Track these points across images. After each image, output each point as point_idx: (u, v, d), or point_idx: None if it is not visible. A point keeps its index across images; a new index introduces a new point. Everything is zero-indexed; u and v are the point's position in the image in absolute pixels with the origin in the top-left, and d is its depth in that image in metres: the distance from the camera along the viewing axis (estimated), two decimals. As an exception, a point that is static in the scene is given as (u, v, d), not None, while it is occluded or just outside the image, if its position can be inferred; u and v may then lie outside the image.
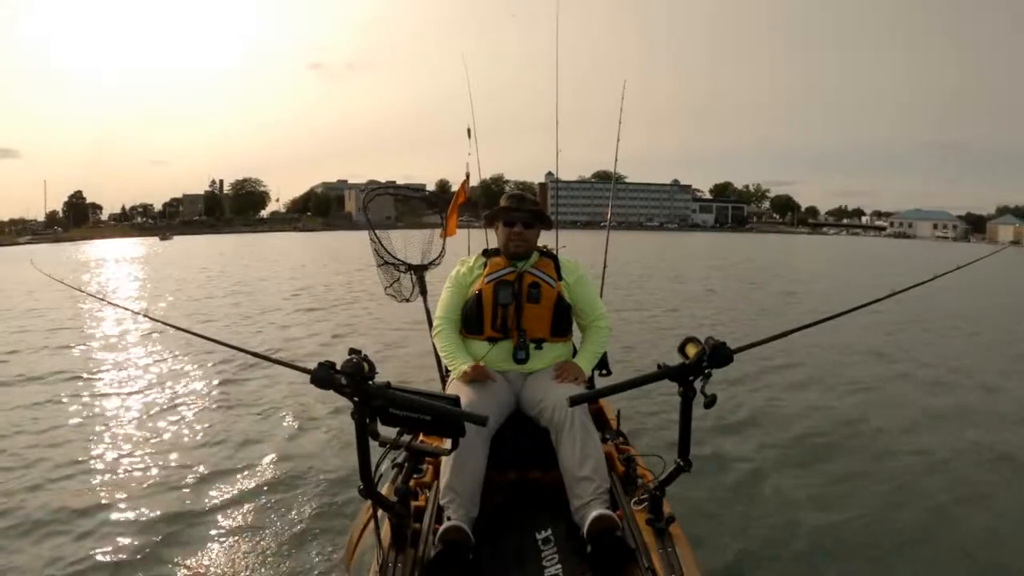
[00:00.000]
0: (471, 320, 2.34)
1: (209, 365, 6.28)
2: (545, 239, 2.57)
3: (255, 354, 1.96)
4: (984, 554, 2.89)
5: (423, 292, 3.33)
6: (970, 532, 3.07)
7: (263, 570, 2.70)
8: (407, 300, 3.40)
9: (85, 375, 6.11)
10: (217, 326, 9.13)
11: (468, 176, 3.80)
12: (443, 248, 3.45)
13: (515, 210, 2.38)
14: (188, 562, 2.77)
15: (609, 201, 4.66)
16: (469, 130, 3.82)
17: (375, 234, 3.34)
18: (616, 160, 3.86)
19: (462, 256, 2.58)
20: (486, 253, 2.48)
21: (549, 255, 2.48)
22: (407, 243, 3.46)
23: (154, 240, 58.51)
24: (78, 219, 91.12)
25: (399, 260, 3.38)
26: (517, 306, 2.31)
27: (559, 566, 1.78)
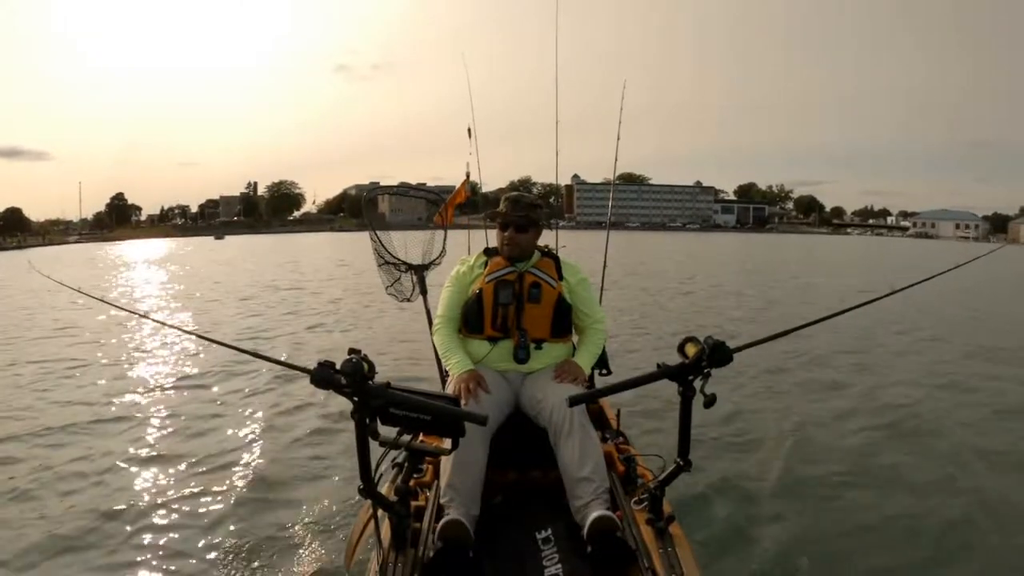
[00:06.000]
0: (471, 319, 2.33)
1: (208, 365, 6.27)
2: (546, 239, 2.57)
3: (255, 354, 1.96)
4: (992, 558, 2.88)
5: (423, 292, 3.32)
6: (982, 540, 3.03)
7: (263, 570, 2.70)
8: (408, 300, 3.40)
9: (85, 375, 6.10)
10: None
11: (468, 175, 3.82)
12: (443, 248, 3.45)
13: (507, 214, 2.36)
14: (187, 562, 2.76)
15: (609, 202, 4.69)
16: (469, 129, 3.85)
17: (375, 234, 3.35)
18: (616, 158, 3.86)
19: (463, 255, 2.57)
20: (487, 252, 2.46)
21: (550, 255, 2.47)
22: (407, 243, 3.46)
23: (209, 239, 63.76)
24: (120, 220, 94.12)
25: (399, 260, 3.38)
26: (517, 306, 2.30)
27: (559, 566, 1.78)
